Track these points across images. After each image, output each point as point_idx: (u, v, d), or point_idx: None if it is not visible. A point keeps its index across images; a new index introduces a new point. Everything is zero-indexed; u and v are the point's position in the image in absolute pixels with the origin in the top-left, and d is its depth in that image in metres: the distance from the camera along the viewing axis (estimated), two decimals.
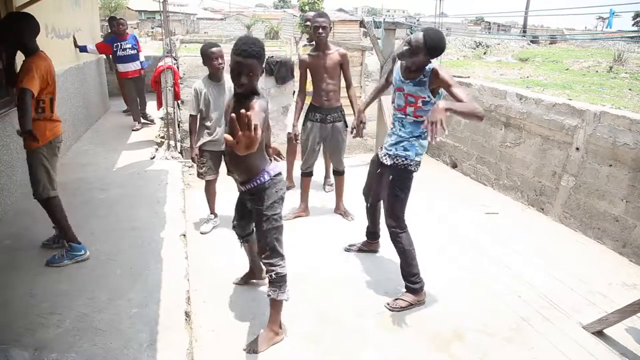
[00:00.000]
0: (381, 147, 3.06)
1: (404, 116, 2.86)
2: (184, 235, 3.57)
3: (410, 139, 2.85)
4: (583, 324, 2.83)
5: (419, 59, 2.66)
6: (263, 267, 2.65)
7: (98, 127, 6.92)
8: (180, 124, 5.68)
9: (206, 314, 2.87)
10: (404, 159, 2.86)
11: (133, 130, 6.73)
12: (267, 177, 2.40)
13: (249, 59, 2.14)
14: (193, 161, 3.87)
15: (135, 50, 6.54)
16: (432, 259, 3.58)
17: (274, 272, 2.46)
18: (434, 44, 2.60)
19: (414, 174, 2.92)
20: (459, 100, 2.52)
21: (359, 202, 3.48)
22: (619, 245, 3.80)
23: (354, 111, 3.90)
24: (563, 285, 3.28)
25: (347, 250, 3.69)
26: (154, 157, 5.38)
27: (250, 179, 2.41)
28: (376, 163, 3.13)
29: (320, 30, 3.77)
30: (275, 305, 2.56)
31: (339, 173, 4.25)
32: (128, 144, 6.05)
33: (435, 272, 3.40)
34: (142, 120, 6.93)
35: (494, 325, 2.83)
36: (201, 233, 3.94)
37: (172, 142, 5.57)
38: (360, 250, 3.66)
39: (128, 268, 3.02)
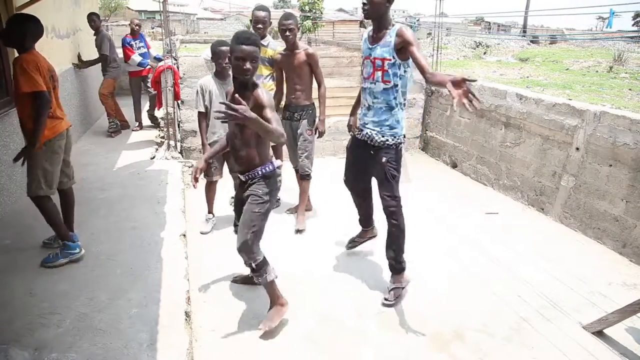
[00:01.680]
0: (358, 130, 3.02)
1: (373, 84, 2.85)
2: (184, 235, 3.57)
3: (392, 115, 2.85)
4: (583, 324, 2.83)
5: (378, 1, 2.68)
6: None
7: (98, 127, 6.91)
8: (180, 124, 5.68)
9: (206, 314, 2.87)
10: (392, 137, 2.86)
11: (133, 130, 6.73)
12: (270, 168, 2.54)
13: (251, 46, 2.32)
14: (205, 161, 3.77)
15: (146, 49, 6.56)
16: (432, 259, 3.59)
17: (252, 261, 2.54)
18: None
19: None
20: (415, 59, 2.63)
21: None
22: (619, 245, 3.80)
23: (321, 111, 3.95)
24: (563, 285, 3.28)
25: (350, 248, 3.62)
26: (154, 157, 5.38)
27: (253, 168, 2.52)
28: (355, 146, 3.08)
29: (287, 33, 3.74)
30: (268, 286, 2.65)
31: (302, 177, 4.07)
32: (128, 144, 6.05)
33: (435, 272, 3.40)
34: (150, 123, 6.84)
35: (494, 325, 2.83)
36: (201, 233, 3.94)
37: (172, 142, 5.57)
38: (361, 242, 3.59)
39: (128, 268, 3.02)
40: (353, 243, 3.62)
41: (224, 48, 3.53)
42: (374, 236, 3.60)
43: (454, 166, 5.94)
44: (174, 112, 5.50)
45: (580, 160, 4.14)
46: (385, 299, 3.00)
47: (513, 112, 4.84)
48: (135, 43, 6.45)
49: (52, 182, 3.00)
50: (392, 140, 2.87)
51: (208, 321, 2.79)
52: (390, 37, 2.73)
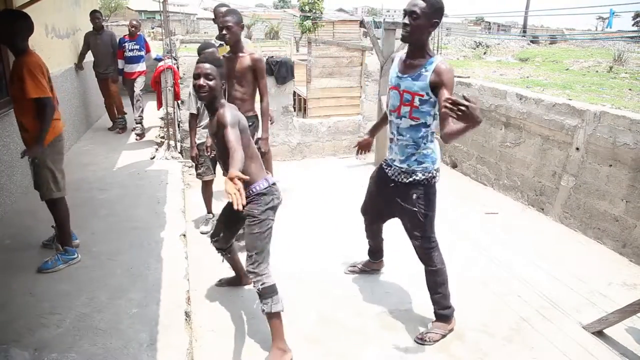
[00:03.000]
0: (386, 164, 2.71)
1: (399, 119, 2.51)
2: (184, 235, 3.57)
3: (419, 151, 2.51)
4: (583, 324, 2.83)
5: (422, 22, 2.32)
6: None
7: (98, 127, 6.91)
8: (180, 124, 5.68)
9: (206, 314, 2.87)
10: (422, 172, 2.53)
11: (133, 130, 6.72)
12: (265, 185, 2.44)
13: (206, 63, 2.30)
14: (192, 160, 3.85)
15: (143, 51, 6.48)
16: None
17: (260, 284, 2.37)
18: (436, 1, 2.31)
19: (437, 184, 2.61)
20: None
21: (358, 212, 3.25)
22: (619, 245, 3.80)
23: (263, 129, 3.58)
24: (563, 285, 3.28)
25: (350, 272, 3.38)
26: (154, 157, 5.38)
27: (248, 187, 2.40)
28: (382, 180, 2.75)
29: (224, 32, 3.34)
30: (273, 320, 2.41)
31: None
32: (128, 144, 6.05)
33: None
34: (136, 131, 6.57)
35: (494, 325, 2.83)
36: (201, 233, 3.94)
37: (172, 142, 5.58)
38: (363, 271, 3.37)
39: (128, 268, 3.02)
40: (353, 268, 3.41)
41: (207, 51, 3.53)
42: (378, 270, 3.40)
43: (454, 166, 5.94)
44: (174, 112, 5.50)
45: (580, 160, 4.14)
46: (417, 337, 2.68)
47: (513, 112, 4.84)
48: (129, 45, 6.34)
49: (60, 182, 3.00)
50: (422, 175, 2.53)
51: (208, 321, 2.79)
52: (426, 71, 2.36)
